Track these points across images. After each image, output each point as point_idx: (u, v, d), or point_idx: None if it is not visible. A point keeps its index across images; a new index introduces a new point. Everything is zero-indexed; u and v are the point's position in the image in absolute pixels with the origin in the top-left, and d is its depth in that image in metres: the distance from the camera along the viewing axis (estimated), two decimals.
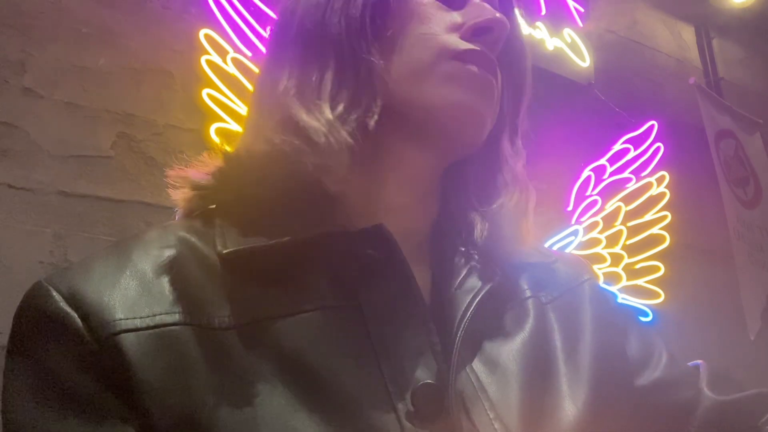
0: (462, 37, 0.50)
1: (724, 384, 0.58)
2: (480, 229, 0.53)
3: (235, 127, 1.63)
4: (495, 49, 0.51)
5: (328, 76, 0.48)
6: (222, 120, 1.63)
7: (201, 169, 0.51)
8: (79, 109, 1.53)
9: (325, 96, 0.47)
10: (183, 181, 0.50)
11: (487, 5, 0.51)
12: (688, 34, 3.08)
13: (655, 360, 0.57)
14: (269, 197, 0.48)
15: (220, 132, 1.62)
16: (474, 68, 0.49)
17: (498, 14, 0.50)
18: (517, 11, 0.57)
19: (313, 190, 0.47)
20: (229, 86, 1.66)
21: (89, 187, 1.49)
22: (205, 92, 1.63)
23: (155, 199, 1.54)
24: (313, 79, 0.48)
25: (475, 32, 0.50)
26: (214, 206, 0.51)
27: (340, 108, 0.47)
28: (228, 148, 0.52)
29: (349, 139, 0.46)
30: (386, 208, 0.51)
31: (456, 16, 0.51)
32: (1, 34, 1.48)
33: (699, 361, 0.61)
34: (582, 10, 2.49)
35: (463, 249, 0.52)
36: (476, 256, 0.51)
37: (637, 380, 0.55)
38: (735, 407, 0.56)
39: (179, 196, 0.51)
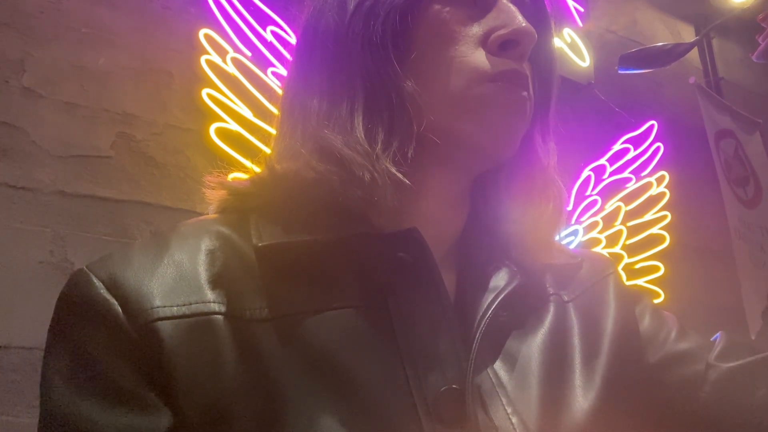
0: (489, 52, 0.48)
1: (738, 350, 0.57)
2: (509, 234, 0.53)
3: (235, 126, 1.63)
4: (523, 59, 0.50)
5: (359, 104, 0.47)
6: (221, 120, 1.63)
7: (239, 179, 0.52)
8: (78, 109, 1.53)
9: (360, 126, 0.47)
10: (221, 185, 0.52)
11: (513, 8, 0.49)
12: (688, 34, 3.07)
13: (663, 337, 0.58)
14: (308, 204, 0.48)
15: (220, 132, 1.62)
16: (506, 87, 0.48)
17: (524, 23, 0.48)
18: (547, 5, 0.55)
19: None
20: (228, 86, 1.66)
21: (89, 187, 1.49)
22: (204, 92, 1.63)
23: (155, 198, 1.54)
24: (344, 106, 0.48)
25: (501, 46, 0.48)
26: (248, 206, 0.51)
27: (380, 140, 0.46)
28: (267, 151, 0.53)
29: (393, 172, 0.45)
30: (418, 215, 0.50)
31: (481, 26, 0.49)
32: (1, 34, 1.48)
33: (719, 333, 0.60)
34: (582, 10, 2.48)
35: (489, 252, 0.52)
36: (503, 259, 0.52)
37: (646, 358, 0.56)
38: (740, 374, 0.55)
39: (214, 196, 0.52)
